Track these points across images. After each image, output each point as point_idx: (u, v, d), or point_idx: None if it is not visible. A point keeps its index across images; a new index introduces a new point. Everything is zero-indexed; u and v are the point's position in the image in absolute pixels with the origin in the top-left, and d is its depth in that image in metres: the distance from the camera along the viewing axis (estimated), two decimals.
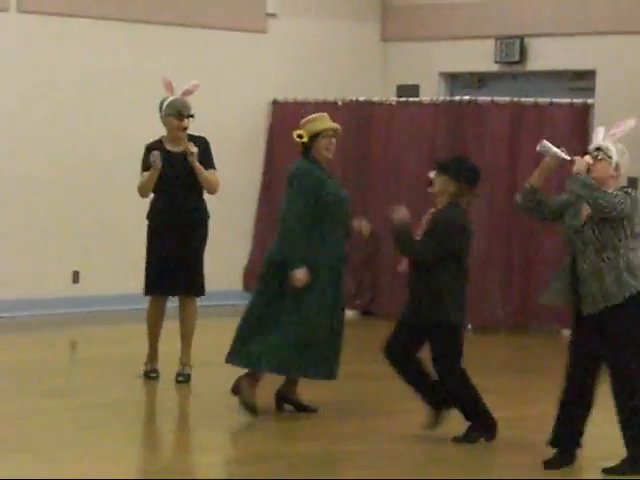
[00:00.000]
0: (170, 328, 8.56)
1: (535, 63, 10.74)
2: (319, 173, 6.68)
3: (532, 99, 10.06)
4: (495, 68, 11.01)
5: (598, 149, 5.72)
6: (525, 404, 7.37)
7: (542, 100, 9.98)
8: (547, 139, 10.07)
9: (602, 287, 5.63)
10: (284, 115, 11.17)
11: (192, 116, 7.46)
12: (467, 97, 10.25)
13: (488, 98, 10.17)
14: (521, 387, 7.91)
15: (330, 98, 10.94)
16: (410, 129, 10.58)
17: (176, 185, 7.38)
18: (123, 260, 10.47)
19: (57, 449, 5.94)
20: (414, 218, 10.67)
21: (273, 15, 11.13)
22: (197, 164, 7.43)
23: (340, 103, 10.91)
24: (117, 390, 7.26)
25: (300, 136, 6.71)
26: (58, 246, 10.29)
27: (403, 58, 11.57)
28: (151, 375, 7.51)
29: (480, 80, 11.28)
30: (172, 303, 7.68)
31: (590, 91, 10.36)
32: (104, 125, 10.40)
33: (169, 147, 7.44)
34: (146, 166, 7.39)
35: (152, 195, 7.55)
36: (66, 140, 10.28)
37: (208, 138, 10.84)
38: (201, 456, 6.01)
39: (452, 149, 10.25)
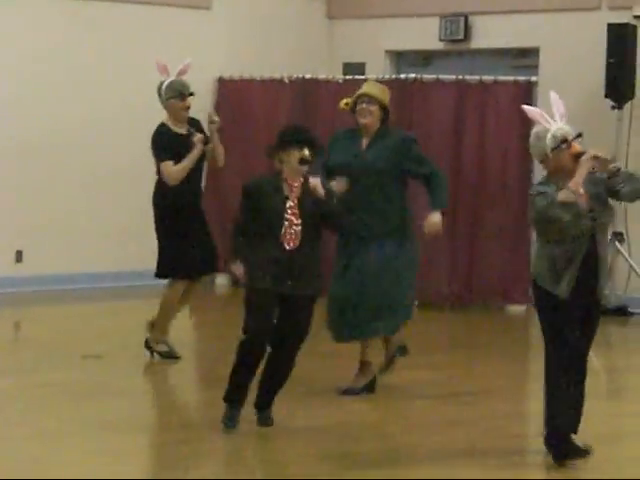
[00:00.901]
0: (114, 307, 8.54)
1: (479, 41, 10.78)
2: (342, 141, 6.66)
3: (477, 77, 10.10)
4: (440, 46, 11.04)
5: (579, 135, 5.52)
6: (472, 379, 7.43)
7: (486, 78, 10.03)
8: (491, 116, 10.10)
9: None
10: (230, 92, 11.12)
11: (192, 94, 7.45)
12: (413, 75, 10.27)
13: (433, 76, 10.19)
14: (467, 363, 7.98)
15: (276, 75, 10.91)
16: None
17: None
18: (67, 239, 10.39)
19: (1, 428, 5.90)
20: None
21: None
22: (216, 135, 7.48)
23: (286, 80, 10.88)
24: (61, 370, 7.22)
25: (347, 104, 6.72)
26: (1, 226, 10.18)
27: (349, 36, 11.56)
28: (171, 355, 7.44)
29: (425, 58, 11.31)
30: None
31: (534, 69, 10.42)
32: (40, 106, 10.26)
33: (176, 129, 7.42)
34: (171, 152, 7.34)
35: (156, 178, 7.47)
36: (4, 120, 10.15)
37: (152, 116, 10.75)
38: (149, 435, 5.99)
39: (398, 127, 10.25)
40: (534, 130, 5.52)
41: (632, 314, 9.57)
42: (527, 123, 10.04)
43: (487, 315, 9.95)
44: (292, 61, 11.17)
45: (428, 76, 10.20)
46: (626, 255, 9.71)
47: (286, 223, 5.75)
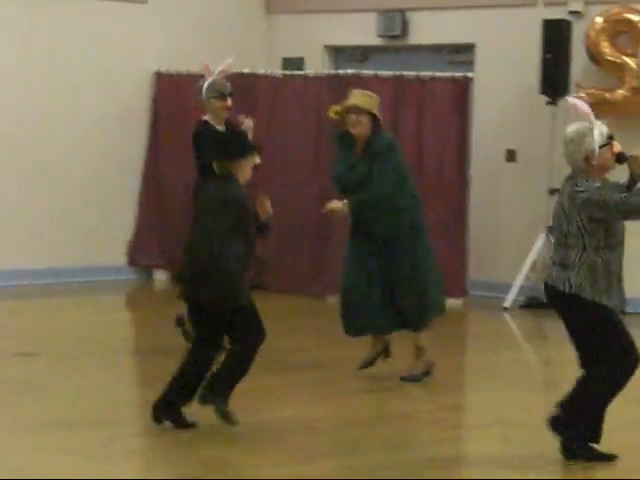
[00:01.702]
0: (61, 303, 8.47)
1: (416, 37, 10.86)
2: (342, 147, 6.94)
3: (414, 73, 10.17)
4: (378, 42, 11.10)
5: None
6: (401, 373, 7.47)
7: (424, 74, 10.11)
8: (428, 112, 10.10)
9: None
10: (168, 87, 11.08)
11: (232, 94, 7.63)
12: (351, 71, 10.31)
13: (371, 72, 10.24)
14: (406, 356, 8.03)
15: (214, 70, 10.87)
16: (295, 102, 10.60)
17: None
18: (21, 235, 10.28)
19: None
20: (299, 190, 10.74)
21: None
22: (251, 134, 7.65)
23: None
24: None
25: (337, 113, 6.98)
26: None
27: (288, 31, 11.57)
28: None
29: (363, 54, 11.36)
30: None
31: (470, 65, 10.53)
32: None
33: (217, 127, 7.57)
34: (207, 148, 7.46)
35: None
36: None
37: (91, 111, 10.69)
38: (80, 432, 5.97)
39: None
40: (573, 129, 5.36)
41: (624, 313, 9.67)
42: (464, 118, 10.23)
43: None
44: (231, 55, 11.14)
45: (366, 72, 10.25)
46: None
47: None
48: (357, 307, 6.97)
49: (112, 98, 10.78)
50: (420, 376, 6.98)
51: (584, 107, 5.40)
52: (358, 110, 6.85)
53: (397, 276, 6.95)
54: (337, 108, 6.97)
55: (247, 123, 7.64)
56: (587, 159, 5.33)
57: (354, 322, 7.01)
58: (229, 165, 5.81)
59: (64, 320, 8.90)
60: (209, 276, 5.69)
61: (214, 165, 5.88)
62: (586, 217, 5.29)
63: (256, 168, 5.92)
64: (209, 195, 5.87)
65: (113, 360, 7.49)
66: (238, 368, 5.85)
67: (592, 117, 5.39)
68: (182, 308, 6.88)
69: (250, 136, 7.48)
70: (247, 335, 5.85)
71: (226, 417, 5.80)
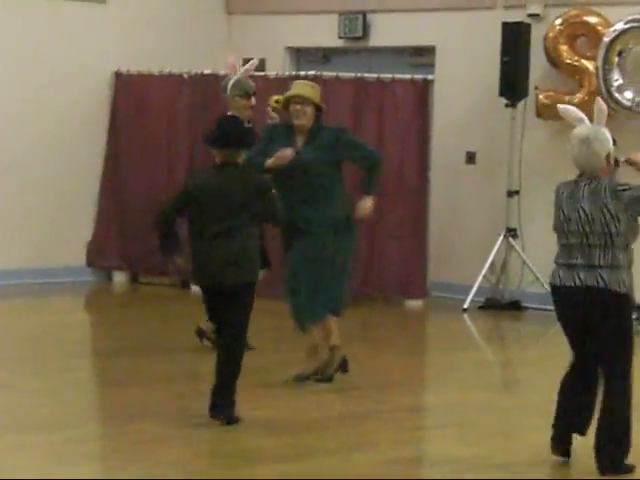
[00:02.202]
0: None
1: (378, 39, 10.88)
2: (278, 138, 6.79)
3: (375, 75, 10.20)
4: (339, 43, 11.12)
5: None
6: (370, 373, 7.51)
7: (384, 76, 10.14)
8: (389, 114, 10.14)
9: None
10: (127, 87, 11.03)
11: (255, 93, 7.74)
12: (312, 72, 10.32)
13: (333, 73, 10.26)
14: (366, 357, 8.05)
15: (175, 70, 10.85)
16: (257, 103, 10.57)
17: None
18: None
19: None
20: None
21: None
22: None
23: (186, 76, 10.84)
24: None
25: (277, 101, 6.88)
26: None
27: (249, 31, 11.55)
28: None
29: (325, 55, 11.37)
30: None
31: (430, 67, 10.57)
32: None
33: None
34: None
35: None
36: None
37: (50, 110, 10.60)
38: (39, 433, 5.93)
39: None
40: (593, 128, 5.33)
41: (525, 308, 9.78)
42: (425, 120, 10.27)
43: (385, 310, 10.06)
44: (192, 56, 11.13)
45: (328, 73, 10.27)
46: (519, 251, 9.92)
47: None
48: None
49: (71, 98, 10.72)
50: (307, 377, 6.88)
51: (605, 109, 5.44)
52: (303, 100, 6.77)
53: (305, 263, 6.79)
54: (278, 97, 6.90)
55: (273, 116, 7.75)
56: (607, 158, 5.35)
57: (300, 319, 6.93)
58: (238, 154, 5.98)
59: (20, 322, 8.83)
60: (242, 258, 5.94)
61: (224, 153, 5.97)
62: (632, 214, 5.31)
63: None
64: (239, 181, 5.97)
65: (70, 362, 7.44)
66: (236, 369, 5.98)
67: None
68: (199, 320, 6.93)
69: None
70: (246, 326, 6.02)
71: (236, 422, 5.93)
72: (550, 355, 7.55)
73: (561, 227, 5.39)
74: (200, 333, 7.71)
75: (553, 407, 6.43)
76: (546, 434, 5.52)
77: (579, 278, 5.33)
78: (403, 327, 9.43)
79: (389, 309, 10.04)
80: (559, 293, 5.41)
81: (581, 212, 5.33)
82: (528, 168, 9.97)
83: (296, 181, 6.74)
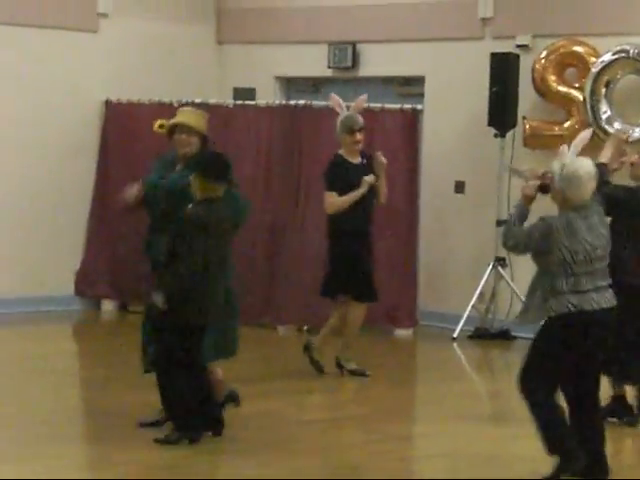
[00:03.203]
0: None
1: (367, 69, 10.94)
2: (159, 165, 6.63)
3: (365, 104, 10.22)
4: (329, 73, 11.17)
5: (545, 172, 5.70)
6: (360, 402, 7.50)
7: (374, 105, 10.16)
8: (379, 143, 10.27)
9: None
10: (118, 116, 11.05)
11: (362, 129, 8.14)
12: (302, 101, 10.36)
13: (322, 103, 10.30)
14: (356, 386, 8.05)
15: (165, 99, 10.88)
16: (247, 132, 10.62)
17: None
18: None
19: None
20: (249, 221, 10.70)
21: (104, 15, 11.00)
22: (383, 174, 8.10)
23: (176, 105, 10.83)
24: None
25: (161, 126, 6.71)
26: None
27: (239, 61, 11.60)
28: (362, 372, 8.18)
29: (315, 85, 11.42)
30: None
31: (420, 97, 10.62)
32: None
33: (350, 159, 8.13)
34: (338, 182, 8.02)
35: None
36: None
37: (40, 138, 10.61)
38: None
39: (288, 153, 10.35)
40: (591, 162, 5.60)
41: (514, 338, 9.78)
42: (414, 150, 10.30)
43: (375, 339, 10.05)
44: (182, 85, 11.17)
45: (317, 102, 10.30)
46: (508, 280, 9.93)
47: None
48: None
49: (61, 126, 10.73)
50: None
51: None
52: (189, 130, 6.52)
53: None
54: (162, 122, 6.68)
55: (382, 161, 8.10)
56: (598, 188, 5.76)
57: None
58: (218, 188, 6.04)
59: (7, 351, 8.79)
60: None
61: (204, 187, 6.01)
62: None
63: None
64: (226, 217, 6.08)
65: (58, 392, 7.40)
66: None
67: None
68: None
69: (381, 172, 8.06)
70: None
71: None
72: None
73: (587, 257, 5.49)
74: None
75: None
76: (534, 463, 5.50)
77: (608, 299, 5.55)
78: (392, 356, 9.42)
79: (378, 338, 10.03)
80: (591, 318, 5.46)
81: (602, 238, 5.57)
82: (517, 198, 9.99)
83: (156, 207, 6.43)
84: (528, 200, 5.64)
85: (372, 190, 8.13)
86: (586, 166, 5.55)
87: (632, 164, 6.97)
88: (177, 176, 6.45)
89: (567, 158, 5.58)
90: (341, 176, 8.06)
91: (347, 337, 8.26)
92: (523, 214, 5.62)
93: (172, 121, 6.59)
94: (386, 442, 6.50)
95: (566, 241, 5.46)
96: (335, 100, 8.30)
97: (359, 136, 8.07)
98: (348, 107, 8.92)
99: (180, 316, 5.98)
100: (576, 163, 5.55)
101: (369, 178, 8.05)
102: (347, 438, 6.55)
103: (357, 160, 8.15)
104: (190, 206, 6.11)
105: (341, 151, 8.17)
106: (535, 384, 5.50)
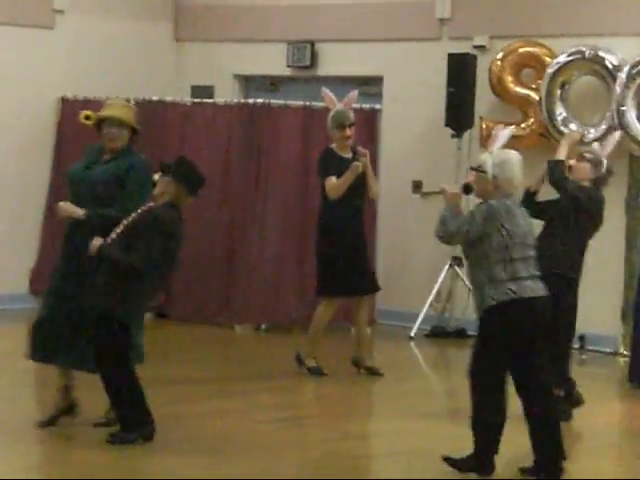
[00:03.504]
0: None
1: (326, 68, 10.96)
2: (90, 154, 6.49)
3: (323, 103, 10.24)
4: (287, 72, 11.17)
5: (476, 166, 5.89)
6: (317, 402, 7.52)
7: None
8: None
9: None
10: (73, 113, 10.95)
11: (353, 124, 8.13)
12: (261, 100, 10.36)
13: (281, 101, 10.30)
14: (313, 386, 8.06)
15: (122, 96, 10.80)
16: (205, 130, 10.60)
17: (350, 189, 7.93)
18: None
19: None
20: (206, 219, 10.69)
21: (60, 11, 10.92)
22: (369, 167, 8.08)
23: (132, 102, 10.78)
24: None
25: (88, 117, 6.56)
26: None
27: (198, 59, 11.58)
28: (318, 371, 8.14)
29: (273, 83, 11.42)
30: None
31: (378, 96, 10.65)
32: None
33: (340, 154, 8.16)
34: (333, 169, 8.05)
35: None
36: None
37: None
38: None
39: (247, 151, 10.33)
40: (514, 154, 5.82)
41: (471, 337, 9.84)
42: (372, 149, 10.31)
43: (335, 338, 10.06)
44: (139, 83, 11.12)
45: (276, 101, 10.30)
46: (465, 279, 9.99)
47: None
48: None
49: (17, 123, 10.64)
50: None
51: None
52: (120, 124, 6.38)
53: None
54: (88, 113, 6.57)
55: (362, 152, 8.11)
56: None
57: None
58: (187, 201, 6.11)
59: None
60: None
61: (177, 195, 6.07)
62: None
63: None
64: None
65: (13, 390, 7.34)
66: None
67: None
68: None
69: (366, 166, 8.02)
70: None
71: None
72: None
73: (523, 241, 5.65)
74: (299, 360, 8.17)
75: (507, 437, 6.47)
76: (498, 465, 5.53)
77: (541, 288, 5.67)
78: (349, 354, 9.44)
79: (338, 337, 10.04)
80: (530, 306, 5.59)
81: (531, 226, 5.77)
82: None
83: (84, 198, 6.32)
84: (455, 200, 5.85)
85: (362, 185, 8.11)
86: (514, 155, 5.78)
87: (570, 167, 7.10)
88: (102, 170, 6.32)
89: (494, 149, 5.95)
90: (334, 164, 8.08)
91: (361, 335, 8.28)
92: (455, 211, 5.83)
93: (101, 114, 6.43)
94: (342, 440, 6.51)
95: (506, 223, 5.62)
96: (327, 96, 8.31)
97: (349, 131, 8.08)
98: (309, 106, 8.97)
99: (122, 312, 5.98)
100: (505, 151, 5.84)
101: (357, 163, 8.02)
102: (305, 437, 6.56)
103: (348, 155, 8.18)
104: (156, 206, 6.08)
105: (332, 146, 8.25)
106: (483, 374, 5.65)
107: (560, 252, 6.96)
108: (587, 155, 7.17)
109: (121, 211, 6.24)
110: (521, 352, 5.64)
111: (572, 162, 7.13)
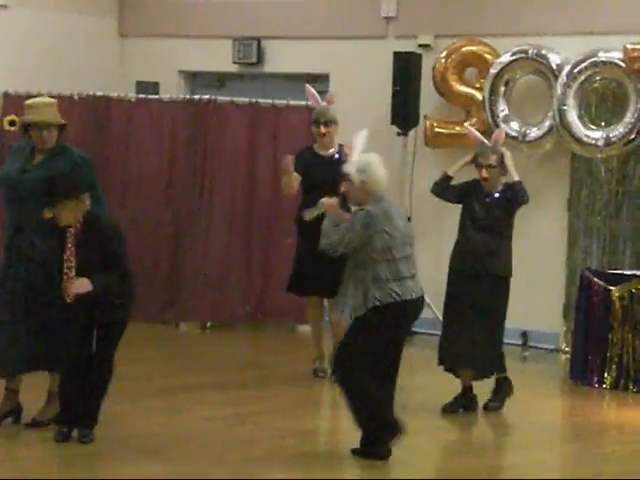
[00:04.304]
0: None
1: (272, 65, 10.96)
2: (19, 154, 6.40)
3: (270, 100, 10.26)
4: (234, 69, 11.15)
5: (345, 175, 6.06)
6: (261, 399, 7.52)
7: (279, 102, 10.20)
8: (284, 139, 10.28)
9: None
10: (16, 108, 10.82)
11: (328, 122, 8.03)
12: (207, 96, 10.33)
13: (228, 98, 10.28)
14: (257, 383, 8.06)
15: (66, 92, 10.73)
16: (150, 126, 10.54)
17: (323, 186, 7.50)
18: None
19: None
20: (152, 215, 10.62)
21: (3, 6, 10.82)
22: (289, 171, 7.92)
23: (76, 97, 10.71)
24: None
25: (12, 123, 6.45)
26: None
27: (142, 54, 11.51)
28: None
29: (220, 80, 11.39)
30: None
31: (324, 94, 10.65)
32: None
33: (319, 151, 8.13)
34: (297, 166, 7.93)
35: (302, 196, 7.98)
36: None
37: None
38: None
39: (192, 148, 10.30)
40: (375, 157, 6.07)
41: (415, 333, 9.90)
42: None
43: (279, 335, 10.08)
44: (83, 78, 11.04)
45: (222, 98, 10.28)
46: None
47: None
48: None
49: None
50: (47, 422, 6.31)
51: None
52: (48, 126, 6.29)
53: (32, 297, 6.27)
54: (12, 118, 6.56)
55: (345, 151, 7.84)
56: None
57: None
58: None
59: None
60: None
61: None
62: None
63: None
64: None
65: None
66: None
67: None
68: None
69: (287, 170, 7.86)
70: None
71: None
72: (441, 381, 7.66)
73: (403, 241, 5.95)
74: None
75: (441, 432, 6.54)
76: (435, 459, 5.58)
77: (416, 289, 5.98)
78: (295, 353, 9.46)
79: (282, 334, 10.06)
80: (411, 306, 5.94)
81: (408, 226, 6.09)
82: (419, 195, 10.14)
83: (26, 201, 6.22)
84: (334, 211, 6.03)
85: (332, 183, 7.77)
86: (375, 157, 6.07)
87: (485, 179, 7.20)
88: (43, 172, 6.23)
89: (355, 157, 6.13)
90: (300, 162, 7.99)
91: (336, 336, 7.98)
92: (340, 221, 5.95)
93: (27, 119, 6.34)
94: (284, 438, 6.52)
95: (386, 226, 5.88)
96: (309, 92, 8.28)
97: (323, 129, 8.03)
98: (255, 103, 8.89)
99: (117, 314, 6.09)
100: (366, 156, 6.08)
101: (286, 160, 7.90)
102: (244, 435, 6.56)
103: (327, 153, 8.09)
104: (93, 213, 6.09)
105: (315, 144, 8.19)
106: (351, 363, 5.93)
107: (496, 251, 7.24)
108: (490, 162, 7.27)
109: (97, 202, 6.26)
110: (394, 345, 6.07)
111: (484, 174, 7.26)
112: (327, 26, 10.65)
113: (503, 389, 7.38)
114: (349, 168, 6.01)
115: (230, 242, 10.19)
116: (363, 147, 6.20)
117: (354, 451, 6.05)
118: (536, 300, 9.60)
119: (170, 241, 10.31)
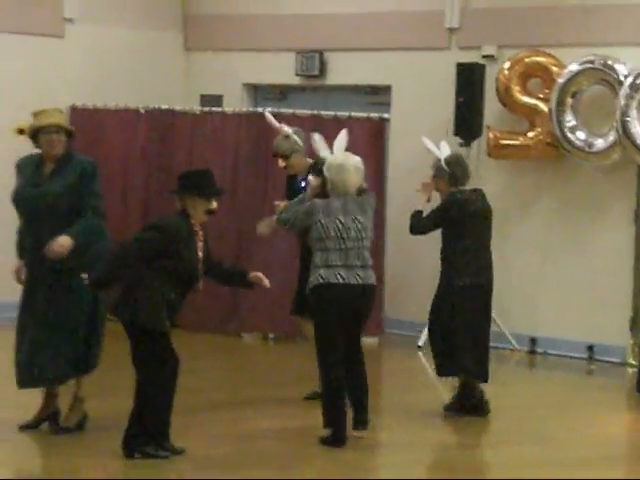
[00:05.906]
0: None
1: (334, 77, 10.98)
2: (26, 169, 6.48)
3: (332, 112, 10.28)
4: (296, 81, 11.20)
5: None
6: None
7: (341, 113, 10.21)
8: (347, 151, 10.24)
9: None
10: (83, 121, 11.00)
11: (283, 156, 7.78)
12: (269, 108, 10.37)
13: (290, 110, 10.32)
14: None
15: (132, 105, 10.86)
16: (213, 139, 10.63)
17: None
18: None
19: None
20: (216, 227, 10.70)
21: (71, 20, 10.97)
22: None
23: (142, 111, 10.85)
24: None
25: (21, 131, 6.54)
26: None
27: (207, 68, 11.61)
28: None
29: (282, 92, 11.45)
30: None
31: (386, 106, 10.67)
32: None
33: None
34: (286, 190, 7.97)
35: None
36: None
37: (4, 144, 10.50)
38: None
39: (255, 159, 10.36)
40: (350, 159, 6.56)
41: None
42: (380, 158, 10.36)
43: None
44: (149, 92, 11.16)
45: (285, 110, 10.33)
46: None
47: (199, 266, 6.08)
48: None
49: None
50: (74, 428, 6.43)
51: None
52: (59, 130, 6.39)
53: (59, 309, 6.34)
54: (23, 125, 6.52)
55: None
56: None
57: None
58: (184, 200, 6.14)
59: None
60: None
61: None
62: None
63: (210, 212, 6.19)
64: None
65: None
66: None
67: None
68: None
69: None
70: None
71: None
72: (514, 392, 7.60)
73: (338, 234, 6.42)
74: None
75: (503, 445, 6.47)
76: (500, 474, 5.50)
77: (359, 277, 6.42)
78: None
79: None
80: (336, 289, 6.37)
81: (357, 223, 6.49)
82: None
83: (44, 214, 6.31)
84: (314, 191, 6.65)
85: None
86: (351, 159, 6.56)
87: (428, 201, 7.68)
88: (57, 184, 6.32)
89: (336, 152, 6.61)
90: (287, 186, 8.00)
91: None
92: (303, 200, 6.65)
93: (38, 124, 6.40)
94: (352, 451, 6.49)
95: (323, 218, 6.43)
96: (268, 119, 8.06)
97: (281, 162, 7.84)
98: (317, 115, 8.88)
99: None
100: (341, 156, 6.58)
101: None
102: (309, 449, 6.55)
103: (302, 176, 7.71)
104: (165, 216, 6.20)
105: None
106: (319, 339, 6.43)
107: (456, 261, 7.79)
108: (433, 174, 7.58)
109: (95, 213, 6.34)
110: (341, 324, 6.43)
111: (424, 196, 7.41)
112: (389, 38, 10.64)
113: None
114: (326, 160, 6.54)
115: (292, 254, 10.20)
116: (344, 146, 6.64)
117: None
118: (602, 313, 9.48)
119: (234, 252, 10.36)
